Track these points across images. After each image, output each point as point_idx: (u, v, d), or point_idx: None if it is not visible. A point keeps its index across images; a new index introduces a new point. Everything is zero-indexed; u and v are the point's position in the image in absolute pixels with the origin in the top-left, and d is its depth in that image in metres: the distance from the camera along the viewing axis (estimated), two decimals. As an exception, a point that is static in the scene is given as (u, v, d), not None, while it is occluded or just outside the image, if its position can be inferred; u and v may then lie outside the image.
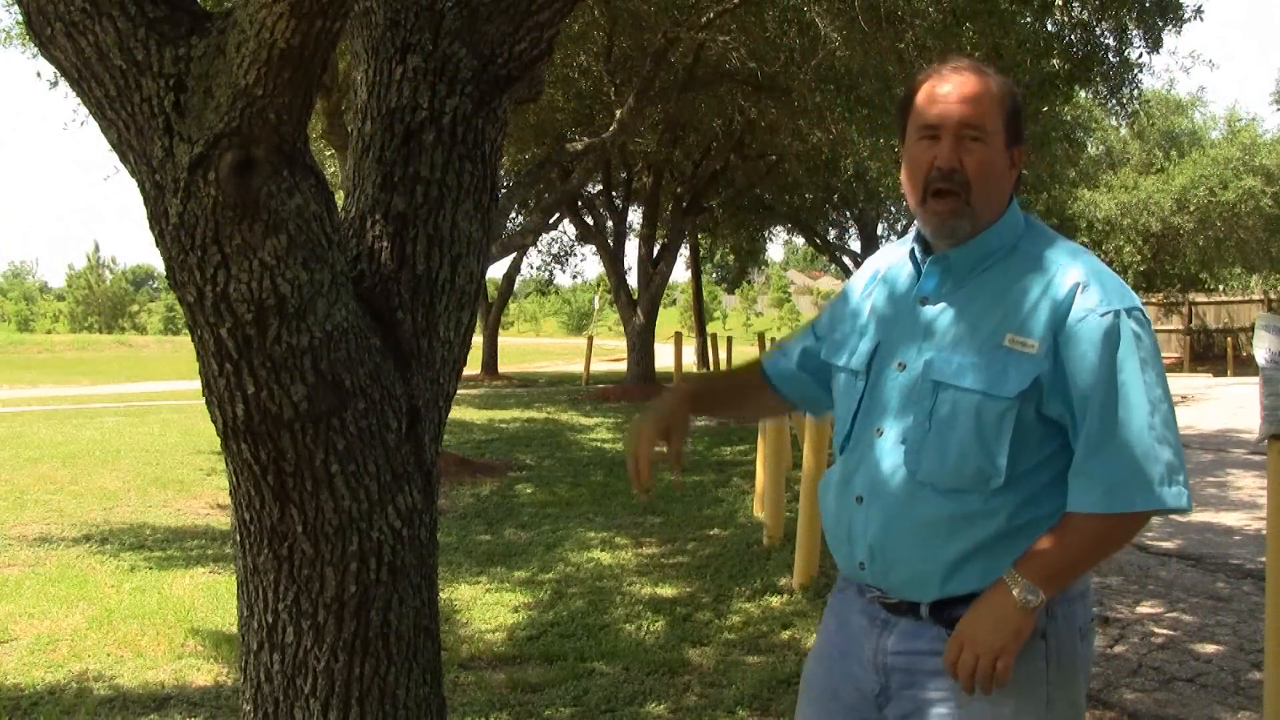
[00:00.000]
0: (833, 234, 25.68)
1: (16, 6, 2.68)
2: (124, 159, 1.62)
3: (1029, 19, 8.65)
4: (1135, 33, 9.80)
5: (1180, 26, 9.74)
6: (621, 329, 18.33)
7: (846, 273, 22.80)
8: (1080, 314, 1.38)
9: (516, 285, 25.04)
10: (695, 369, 23.32)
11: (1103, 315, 1.37)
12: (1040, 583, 1.36)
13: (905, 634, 1.47)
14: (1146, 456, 1.34)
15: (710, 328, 27.79)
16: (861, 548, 1.49)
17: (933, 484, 1.42)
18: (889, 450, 1.46)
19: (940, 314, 1.48)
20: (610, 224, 17.22)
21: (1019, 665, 1.39)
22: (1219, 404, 13.84)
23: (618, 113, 9.76)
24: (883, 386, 1.50)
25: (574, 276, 68.06)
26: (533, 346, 44.22)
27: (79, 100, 1.65)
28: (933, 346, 1.46)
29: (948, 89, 1.45)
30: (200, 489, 7.57)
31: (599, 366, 22.97)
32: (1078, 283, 1.40)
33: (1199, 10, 9.80)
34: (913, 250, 1.54)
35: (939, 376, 1.43)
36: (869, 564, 1.48)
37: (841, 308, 1.66)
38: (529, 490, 7.67)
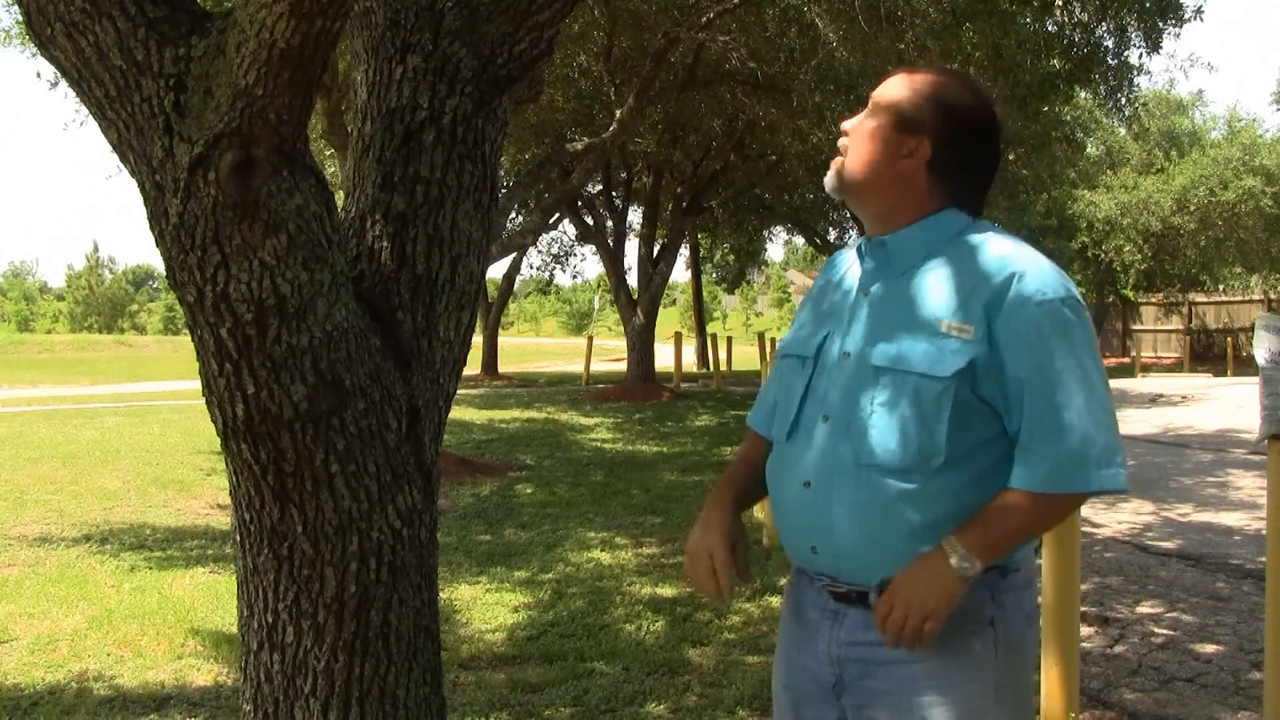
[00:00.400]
0: (833, 234, 25.66)
1: (16, 6, 2.68)
2: (124, 159, 1.62)
3: (1029, 19, 8.64)
4: (1135, 34, 9.80)
5: (1180, 26, 9.74)
6: (621, 329, 18.32)
7: (846, 273, 22.71)
8: (1016, 301, 1.42)
9: (516, 285, 25.04)
10: (695, 369, 23.36)
11: (1039, 303, 1.42)
12: (977, 552, 1.40)
13: (856, 624, 1.50)
14: (1086, 440, 1.39)
15: (710, 328, 27.80)
16: (812, 534, 1.51)
17: (877, 466, 1.45)
18: (835, 435, 1.49)
19: (880, 302, 1.53)
20: (610, 224, 17.21)
21: (969, 653, 1.44)
22: (1219, 404, 13.84)
23: (618, 113, 9.76)
24: (828, 374, 1.54)
25: (574, 276, 68.01)
26: (533, 346, 44.22)
27: (79, 100, 1.65)
28: (874, 334, 1.50)
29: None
30: (200, 489, 7.57)
31: (599, 366, 22.96)
32: (1014, 271, 1.44)
33: (1199, 10, 9.81)
34: (861, 243, 1.61)
35: (879, 362, 1.47)
36: (821, 549, 1.51)
37: (800, 312, 1.72)
38: (529, 490, 7.67)
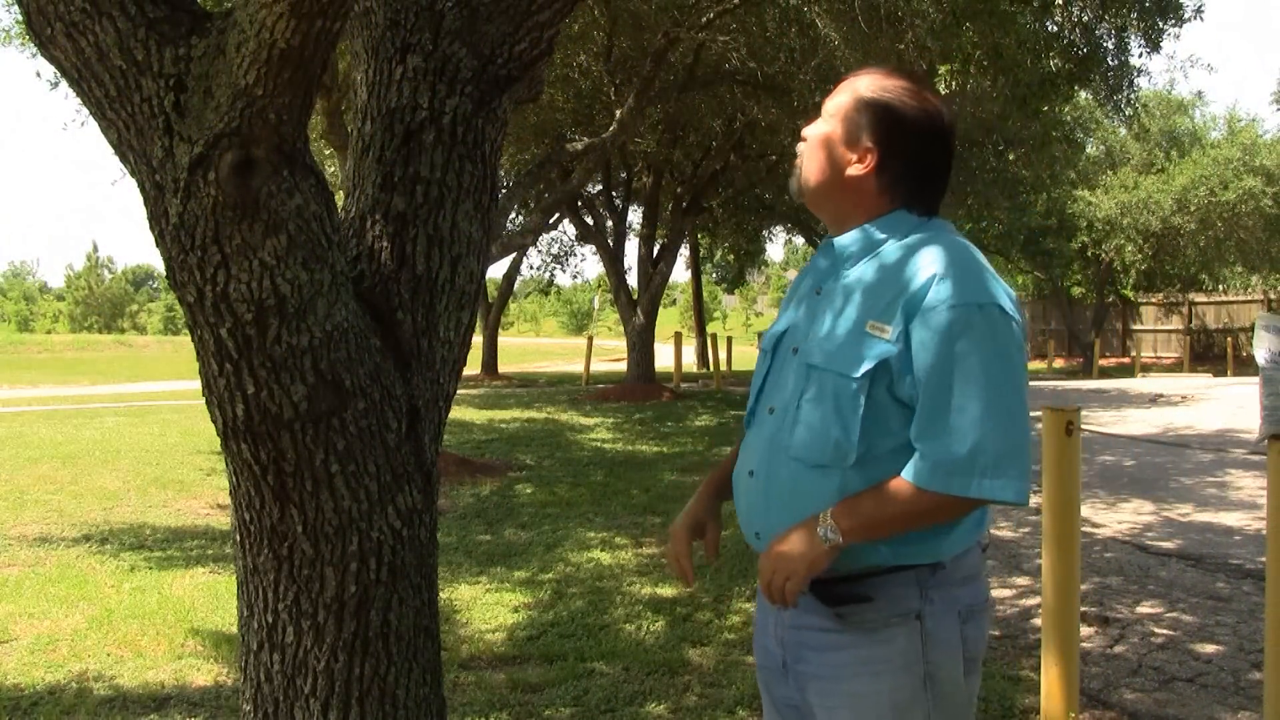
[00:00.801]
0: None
1: (16, 6, 2.68)
2: (124, 159, 1.62)
3: (1029, 19, 8.64)
4: (1134, 35, 9.79)
5: (1180, 25, 9.74)
6: (621, 329, 18.32)
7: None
8: (932, 304, 1.44)
9: (516, 285, 25.04)
10: (695, 369, 23.36)
11: (952, 307, 1.43)
12: (844, 529, 1.46)
13: (796, 610, 1.55)
14: (976, 447, 1.42)
15: (710, 328, 27.79)
16: (754, 520, 1.60)
17: (801, 459, 1.52)
18: (776, 427, 1.57)
19: (824, 301, 1.60)
20: (610, 224, 17.20)
21: (893, 643, 1.51)
22: (1219, 404, 13.84)
23: (618, 113, 9.76)
24: (780, 368, 1.62)
25: (574, 276, 68.09)
26: (533, 346, 44.21)
27: (79, 100, 1.65)
28: (814, 332, 1.58)
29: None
30: (200, 489, 7.57)
31: (599, 366, 22.96)
32: (935, 274, 1.46)
33: (1199, 10, 9.80)
34: (817, 244, 1.69)
35: (809, 359, 1.55)
36: (762, 535, 1.58)
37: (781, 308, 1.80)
38: (529, 490, 7.67)
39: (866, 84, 1.60)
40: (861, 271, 1.56)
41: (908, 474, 1.45)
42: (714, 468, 1.82)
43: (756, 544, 1.61)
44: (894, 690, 1.51)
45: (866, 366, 1.47)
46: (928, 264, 1.48)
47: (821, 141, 1.61)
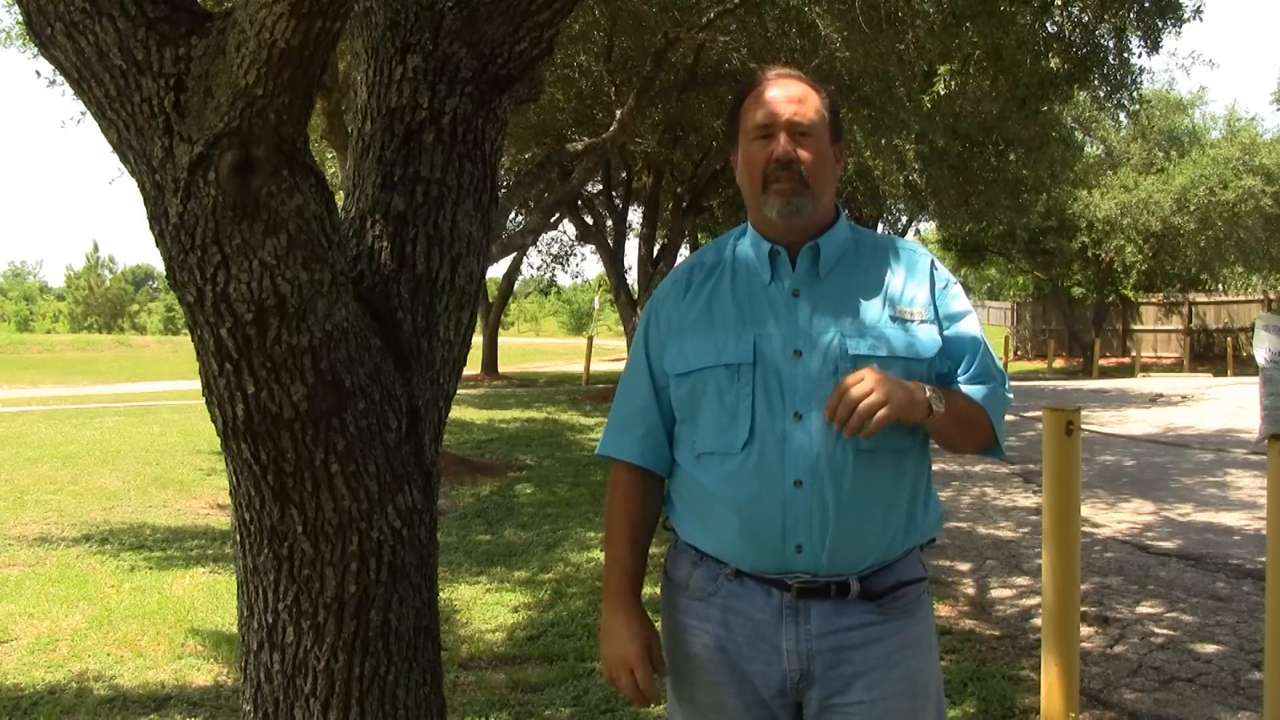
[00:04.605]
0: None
1: (16, 6, 2.69)
2: (124, 159, 1.62)
3: (1029, 19, 8.63)
4: (1134, 36, 9.78)
5: (1180, 25, 9.72)
6: (621, 329, 18.31)
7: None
8: (943, 284, 1.64)
9: (516, 285, 25.03)
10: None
11: (954, 282, 1.67)
12: (945, 402, 1.54)
13: (826, 615, 1.54)
14: (1010, 398, 1.69)
15: (710, 328, 27.66)
16: (802, 532, 1.51)
17: (877, 449, 1.52)
18: (820, 430, 1.51)
19: (822, 301, 1.59)
20: (610, 224, 17.20)
21: (928, 619, 1.63)
22: (1219, 404, 13.83)
23: (618, 113, 9.76)
24: (781, 375, 1.54)
25: (574, 276, 68.19)
26: (533, 346, 44.16)
27: (79, 100, 1.65)
28: (831, 329, 1.56)
29: (776, 92, 1.61)
30: (200, 489, 7.57)
31: (599, 366, 22.94)
32: (930, 260, 1.66)
33: (1199, 10, 9.79)
34: (773, 249, 1.62)
35: (858, 351, 1.54)
36: (808, 546, 1.51)
37: (665, 334, 1.69)
38: (529, 490, 7.67)
39: (813, 84, 1.63)
40: (853, 264, 1.62)
41: (976, 395, 1.60)
42: (613, 579, 1.67)
43: (788, 560, 1.52)
44: (933, 661, 1.62)
45: (937, 347, 1.58)
46: (917, 253, 1.66)
47: (823, 155, 1.60)
